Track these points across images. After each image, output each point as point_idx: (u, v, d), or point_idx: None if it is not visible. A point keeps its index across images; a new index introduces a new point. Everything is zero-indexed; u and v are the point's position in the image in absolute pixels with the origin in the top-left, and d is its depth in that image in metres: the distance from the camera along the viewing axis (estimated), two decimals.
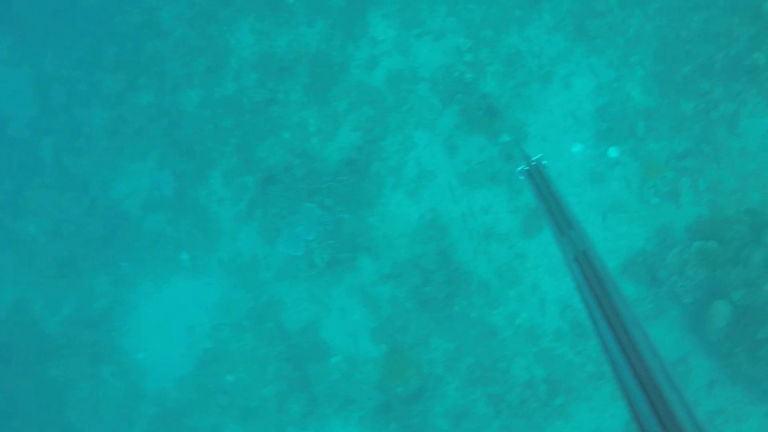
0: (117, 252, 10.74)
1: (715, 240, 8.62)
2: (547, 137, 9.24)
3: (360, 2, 9.90)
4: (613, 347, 2.21)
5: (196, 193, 10.57)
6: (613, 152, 9.23)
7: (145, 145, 10.73)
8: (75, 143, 11.08)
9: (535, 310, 9.40)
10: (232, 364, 10.10)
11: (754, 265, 8.31)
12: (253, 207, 10.29)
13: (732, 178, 8.97)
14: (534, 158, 3.92)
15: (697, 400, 8.99)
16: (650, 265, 9.11)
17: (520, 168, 3.94)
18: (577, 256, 2.90)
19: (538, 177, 3.72)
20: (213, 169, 10.49)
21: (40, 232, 11.07)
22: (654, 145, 9.10)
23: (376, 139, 9.73)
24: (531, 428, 9.16)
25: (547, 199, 3.46)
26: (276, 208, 10.18)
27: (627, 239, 9.21)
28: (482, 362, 9.33)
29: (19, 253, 11.10)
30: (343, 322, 10.02)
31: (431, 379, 9.47)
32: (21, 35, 11.52)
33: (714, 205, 8.94)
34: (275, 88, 10.15)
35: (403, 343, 9.48)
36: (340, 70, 9.91)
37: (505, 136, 9.32)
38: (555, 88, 9.24)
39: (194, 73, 10.66)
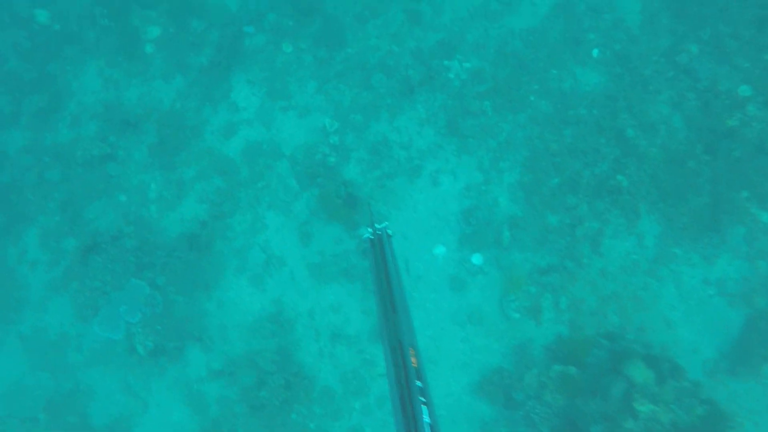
0: None
1: (575, 365, 8.30)
2: (408, 235, 8.75)
3: (225, 64, 9.22)
4: None
5: (4, 251, 9.08)
6: (476, 259, 8.87)
7: None
8: None
9: (379, 426, 8.57)
10: None
11: (613, 399, 8.01)
12: (71, 276, 9.00)
13: (593, 298, 8.82)
14: (380, 225, 3.72)
15: None
16: (507, 385, 8.67)
17: (365, 235, 3.74)
18: (393, 346, 2.73)
19: (378, 247, 3.52)
20: (29, 225, 9.11)
21: None
22: (518, 255, 8.83)
23: (223, 215, 8.86)
24: None
25: (380, 272, 3.26)
26: (98, 281, 8.93)
27: (484, 354, 8.75)
28: None
29: None
30: (161, 421, 8.74)
31: None
32: None
33: (574, 324, 8.72)
34: (116, 143, 9.12)
35: None
36: (192, 133, 9.06)
37: (363, 229, 8.68)
38: (421, 183, 8.86)
39: (23, 112, 9.39)
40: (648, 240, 8.92)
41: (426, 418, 2.33)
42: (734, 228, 8.60)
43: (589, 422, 8.31)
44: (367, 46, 9.45)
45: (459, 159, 9.13)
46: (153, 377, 8.92)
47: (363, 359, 8.87)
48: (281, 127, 9.25)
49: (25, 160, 9.42)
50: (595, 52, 9.32)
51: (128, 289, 9.07)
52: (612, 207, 8.95)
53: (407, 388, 2.47)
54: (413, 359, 2.68)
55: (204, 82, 9.35)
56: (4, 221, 9.41)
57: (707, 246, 8.83)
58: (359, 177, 9.09)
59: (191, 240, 8.98)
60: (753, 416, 8.03)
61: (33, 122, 9.42)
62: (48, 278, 9.17)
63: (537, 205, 9.02)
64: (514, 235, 8.98)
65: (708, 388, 7.88)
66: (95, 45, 9.65)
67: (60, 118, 9.49)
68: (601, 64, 9.15)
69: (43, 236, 9.28)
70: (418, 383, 2.51)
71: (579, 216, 8.98)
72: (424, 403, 2.42)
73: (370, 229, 3.73)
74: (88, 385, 9.06)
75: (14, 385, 8.99)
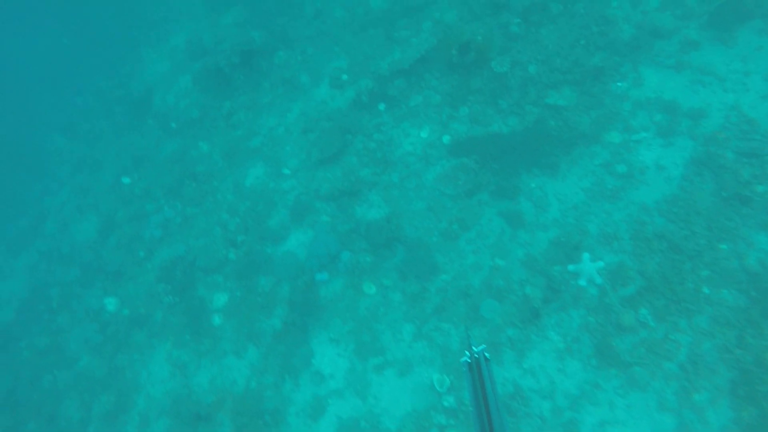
0: None
1: None
2: None
3: (301, 323, 8.31)
4: None
5: None
6: None
7: None
8: None
9: None
10: None
11: None
12: None
13: None
14: (477, 348, 3.82)
15: None
16: None
17: (463, 358, 3.83)
18: None
19: (477, 372, 3.69)
20: None
21: None
22: None
23: None
24: None
25: (479, 399, 3.50)
26: None
27: None
28: None
29: None
30: None
31: None
32: None
33: None
34: None
35: None
36: (273, 419, 7.85)
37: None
38: None
39: (92, 417, 8.80)
40: None
41: None
42: None
43: None
44: (465, 266, 8.21)
45: (628, 400, 6.96)
46: None
47: None
48: (379, 393, 7.80)
49: None
50: None
51: None
52: None
53: None
54: None
55: (280, 350, 8.39)
56: None
57: None
58: None
59: None
60: None
61: (101, 427, 8.71)
62: None
63: None
64: None
65: None
66: (162, 326, 9.36)
67: (128, 419, 8.74)
68: None
69: None
70: None
71: None
72: None
73: (467, 353, 3.82)
74: None
75: None
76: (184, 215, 11.67)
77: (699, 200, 8.11)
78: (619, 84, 9.25)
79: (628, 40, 9.61)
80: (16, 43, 22.05)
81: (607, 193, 8.41)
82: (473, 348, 3.93)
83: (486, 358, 3.89)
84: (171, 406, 8.93)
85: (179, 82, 15.39)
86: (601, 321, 7.62)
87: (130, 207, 12.73)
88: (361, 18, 12.84)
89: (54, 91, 18.83)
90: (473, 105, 10.09)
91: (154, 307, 10.30)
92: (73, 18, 21.06)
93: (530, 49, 10.02)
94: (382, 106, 10.90)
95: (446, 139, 9.87)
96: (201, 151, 12.87)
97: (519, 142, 9.19)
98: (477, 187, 9.09)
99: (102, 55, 18.84)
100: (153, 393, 9.23)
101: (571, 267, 8.00)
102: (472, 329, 8.07)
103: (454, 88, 10.42)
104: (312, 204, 10.28)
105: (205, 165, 12.48)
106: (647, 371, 7.26)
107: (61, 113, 17.37)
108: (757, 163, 8.00)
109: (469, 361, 3.85)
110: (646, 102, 8.87)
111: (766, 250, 7.49)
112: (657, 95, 8.88)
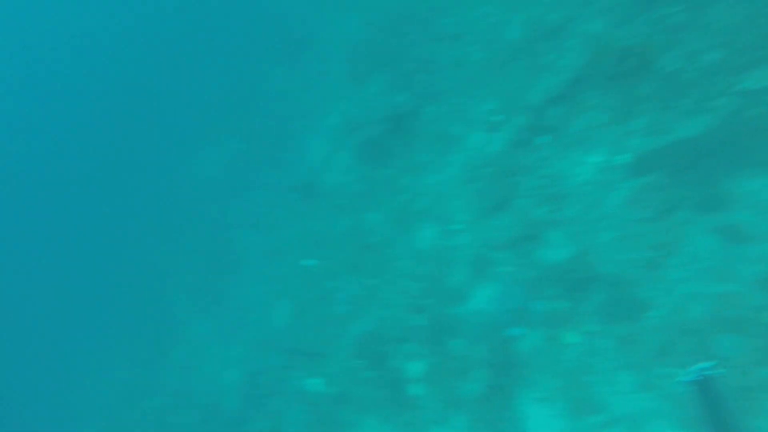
0: None
1: None
2: None
3: (505, 385, 7.95)
4: None
5: None
6: None
7: None
8: None
9: None
10: None
11: None
12: None
13: None
14: (706, 365, 3.23)
15: None
16: None
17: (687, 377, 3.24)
18: None
19: (707, 393, 3.06)
20: None
21: None
22: None
23: None
24: None
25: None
26: None
27: None
28: None
29: None
30: None
31: None
32: None
33: None
34: None
35: None
36: None
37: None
38: None
39: None
40: None
41: None
42: None
43: None
44: (680, 298, 7.25)
45: None
46: None
47: None
48: None
49: None
50: None
51: None
52: None
53: None
54: None
55: (486, 416, 8.06)
56: None
57: None
58: None
59: None
60: None
61: None
62: None
63: None
64: None
65: None
66: (365, 401, 9.56)
67: None
68: None
69: None
70: None
71: None
72: None
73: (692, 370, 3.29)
74: None
75: None
76: (366, 288, 12.18)
77: None
78: None
79: None
80: (199, 154, 25.74)
81: None
82: (701, 365, 3.48)
83: (716, 377, 3.48)
84: None
85: (340, 159, 16.52)
86: None
87: (317, 287, 13.66)
88: (500, 54, 12.71)
89: (237, 192, 21.44)
90: (646, 114, 9.20)
91: (354, 383, 10.70)
92: (240, 124, 24.06)
93: (702, 36, 8.94)
94: (542, 139, 10.47)
95: (624, 158, 9.08)
96: (371, 222, 13.47)
97: (715, 144, 8.09)
98: (674, 204, 8.12)
99: (270, 150, 21.11)
100: None
101: None
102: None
103: (619, 101, 9.64)
104: (490, 256, 10.05)
105: (378, 235, 13.00)
106: None
107: (246, 211, 19.62)
108: None
109: (697, 378, 3.47)
110: None
111: None
112: None
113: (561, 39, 11.36)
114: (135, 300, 23.02)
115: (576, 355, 8.13)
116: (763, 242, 7.28)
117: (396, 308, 11.09)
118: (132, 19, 34.71)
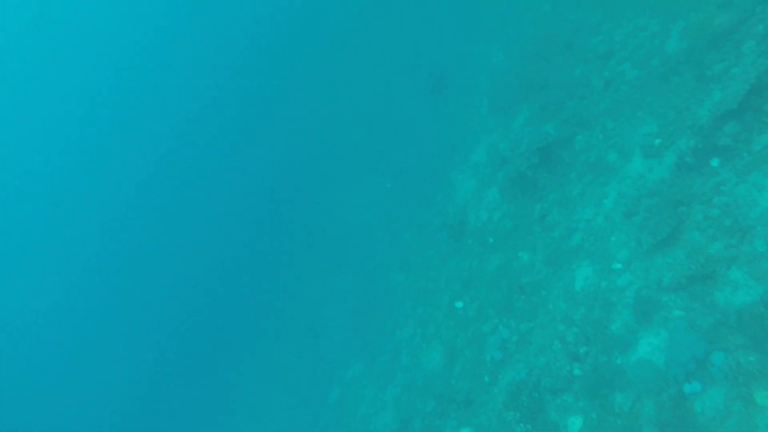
0: None
1: None
2: None
3: None
4: None
5: None
6: None
7: None
8: None
9: None
10: None
11: None
12: None
13: None
14: None
15: None
16: None
17: None
18: None
19: None
20: None
21: None
22: None
23: None
24: None
25: None
26: None
27: None
28: None
29: None
30: None
31: None
32: None
33: None
34: None
35: None
36: None
37: None
38: None
39: None
40: None
41: None
42: None
43: None
44: None
45: None
46: None
47: None
48: None
49: None
50: None
51: None
52: None
53: None
54: None
55: None
56: None
57: None
58: None
59: None
60: None
61: None
62: None
63: None
64: None
65: None
66: None
67: None
68: None
69: None
70: None
71: None
72: None
73: None
74: None
75: None
76: (519, 332, 11.72)
77: None
78: None
79: None
80: (352, 196, 27.13)
81: None
82: None
83: None
84: None
85: (487, 196, 16.33)
86: None
87: (468, 330, 13.46)
88: (659, 69, 11.74)
89: (388, 232, 22.16)
90: None
91: None
92: (389, 164, 24.99)
93: None
94: (715, 162, 9.37)
95: None
96: (522, 261, 13.03)
97: None
98: None
99: (419, 189, 21.60)
100: None
101: None
102: None
103: None
104: (657, 298, 9.11)
105: (530, 275, 12.52)
106: None
107: (396, 251, 20.16)
108: None
109: None
110: None
111: None
112: None
113: (735, 43, 10.20)
114: (295, 338, 24.65)
115: None
116: None
117: (551, 355, 10.49)
118: (282, 66, 38.56)
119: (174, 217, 38.54)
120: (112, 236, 39.83)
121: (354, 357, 19.21)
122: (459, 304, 14.73)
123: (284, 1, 39.55)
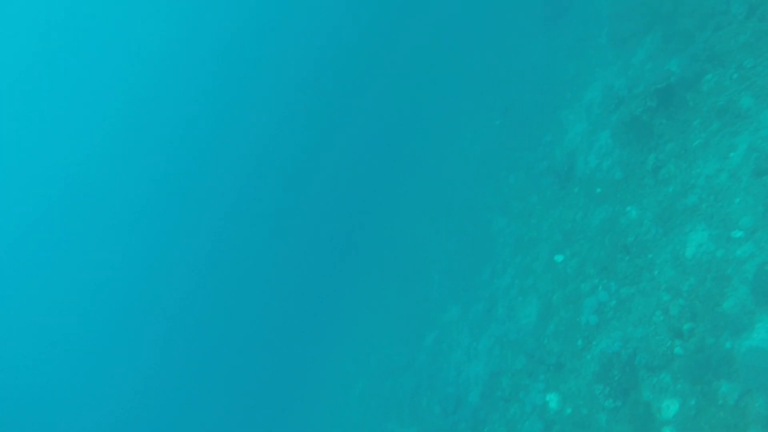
0: None
1: None
2: None
3: None
4: None
5: None
6: None
7: None
8: None
9: None
10: None
11: None
12: None
13: None
14: None
15: None
16: None
17: None
18: None
19: None
20: None
21: None
22: None
23: None
24: None
25: None
26: None
27: None
28: None
29: None
30: None
31: None
32: None
33: None
34: None
35: None
36: None
37: None
38: None
39: None
40: None
41: None
42: None
43: None
44: None
45: None
46: None
47: None
48: None
49: None
50: None
51: None
52: None
53: None
54: None
55: None
56: None
57: None
58: None
59: None
60: None
61: None
62: None
63: None
64: None
65: None
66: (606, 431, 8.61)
67: None
68: None
69: None
70: None
71: None
72: None
73: None
74: None
75: None
76: (618, 297, 10.90)
77: None
78: None
79: None
80: (460, 133, 26.28)
81: None
82: None
83: None
84: None
85: (599, 139, 14.99)
86: None
87: (566, 288, 12.80)
88: None
89: (492, 173, 21.34)
90: None
91: (593, 409, 9.76)
92: (499, 99, 23.68)
93: None
94: None
95: None
96: (630, 217, 11.95)
97: None
98: None
99: (527, 128, 20.37)
100: None
101: None
102: None
103: None
104: None
105: (637, 234, 11.47)
106: None
107: (499, 194, 19.42)
108: None
109: None
110: None
111: None
112: None
113: None
114: (399, 277, 25.11)
115: None
116: None
117: (651, 327, 9.67)
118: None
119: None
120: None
121: (452, 300, 19.20)
122: (559, 258, 13.97)
123: None
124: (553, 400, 10.94)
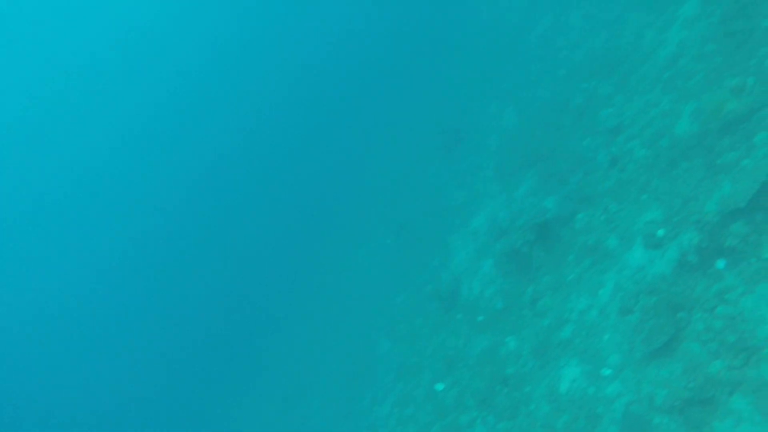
0: None
1: None
2: None
3: None
4: None
5: None
6: None
7: None
8: None
9: None
10: None
11: None
12: None
13: None
14: None
15: None
16: None
17: None
18: None
19: None
20: None
21: None
22: None
23: None
24: None
25: None
26: None
27: None
28: None
29: None
30: None
31: None
32: None
33: None
34: None
35: None
36: None
37: None
38: None
39: None
40: None
41: None
42: None
43: None
44: None
45: None
46: None
47: None
48: None
49: None
50: None
51: None
52: None
53: None
54: None
55: None
56: None
57: None
58: None
59: None
60: None
61: None
62: None
63: None
64: None
65: None
66: None
67: None
68: None
69: None
70: None
71: None
72: None
73: None
74: None
75: None
76: None
77: None
78: None
79: None
80: (357, 250, 26.31)
81: None
82: None
83: None
84: None
85: (483, 267, 15.35)
86: None
87: (444, 419, 12.31)
88: (668, 152, 10.84)
89: (382, 292, 21.18)
90: None
91: None
92: (394, 219, 24.19)
93: None
94: (720, 264, 8.33)
95: None
96: (509, 348, 11.96)
97: None
98: None
99: (417, 249, 20.71)
100: None
101: None
102: None
103: None
104: (648, 418, 7.96)
105: (515, 365, 11.42)
106: None
107: (386, 315, 19.13)
108: None
109: None
110: None
111: None
112: None
113: (747, 133, 9.29)
114: (281, 398, 23.44)
115: None
116: None
117: None
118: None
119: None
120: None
121: (333, 430, 18.00)
122: (440, 387, 13.58)
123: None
124: None
